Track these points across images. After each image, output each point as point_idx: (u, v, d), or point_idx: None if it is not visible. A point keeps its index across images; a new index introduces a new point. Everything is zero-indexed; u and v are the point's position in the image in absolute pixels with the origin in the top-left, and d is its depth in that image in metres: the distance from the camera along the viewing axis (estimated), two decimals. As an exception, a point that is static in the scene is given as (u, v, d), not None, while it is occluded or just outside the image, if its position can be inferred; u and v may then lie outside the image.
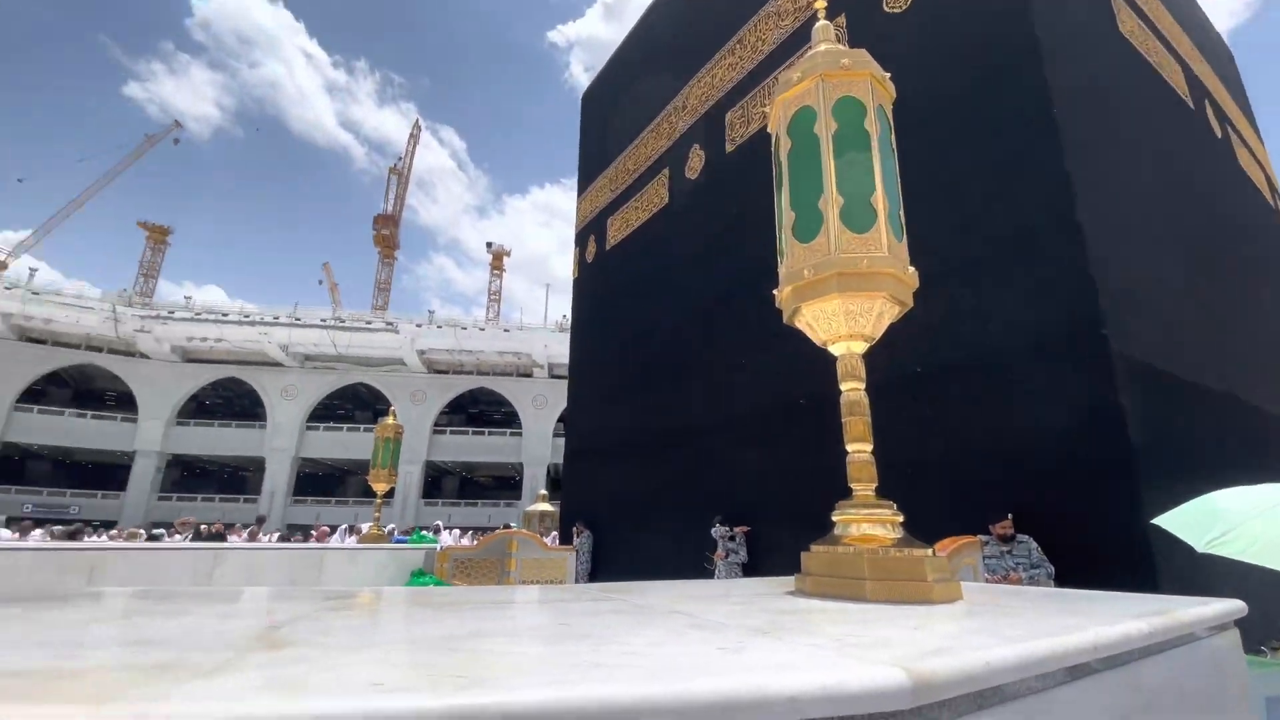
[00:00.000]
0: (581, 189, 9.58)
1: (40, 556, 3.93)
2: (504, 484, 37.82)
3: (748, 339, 5.26)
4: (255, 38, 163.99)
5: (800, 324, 1.66)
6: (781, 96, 1.75)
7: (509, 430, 34.75)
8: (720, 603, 1.25)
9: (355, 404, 36.41)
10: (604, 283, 8.45)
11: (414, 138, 54.05)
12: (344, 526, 12.89)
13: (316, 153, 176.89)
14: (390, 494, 6.40)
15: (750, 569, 4.76)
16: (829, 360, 1.69)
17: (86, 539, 9.93)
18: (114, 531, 13.86)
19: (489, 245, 50.08)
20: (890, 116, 1.73)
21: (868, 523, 1.48)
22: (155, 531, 12.13)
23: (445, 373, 35.24)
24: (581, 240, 9.25)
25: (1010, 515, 3.98)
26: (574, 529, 7.61)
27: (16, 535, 8.41)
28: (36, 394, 30.95)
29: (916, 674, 0.64)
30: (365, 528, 6.88)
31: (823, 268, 1.55)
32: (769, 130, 1.88)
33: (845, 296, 1.53)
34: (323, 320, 33.68)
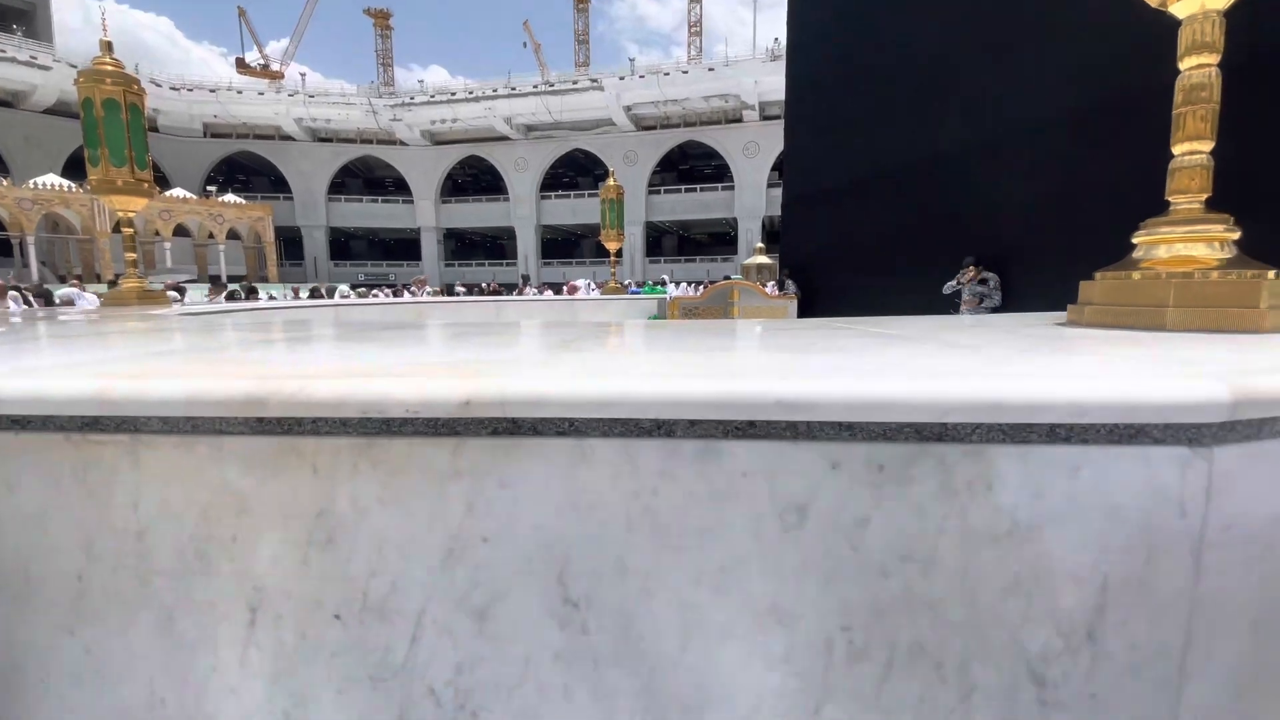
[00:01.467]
0: None
1: (386, 309, 5.27)
2: (719, 239, 38.82)
3: (1022, 32, 4.05)
4: None
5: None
6: None
7: (720, 185, 34.50)
8: (975, 331, 1.19)
9: (577, 171, 38.56)
10: (826, -13, 6.94)
11: None
12: (588, 280, 14.68)
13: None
14: (619, 253, 6.95)
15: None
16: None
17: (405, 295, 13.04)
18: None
19: (684, -34, 43.74)
20: None
21: (1186, 242, 1.21)
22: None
23: (653, 128, 34.87)
24: (796, -66, 7.48)
25: None
26: (781, 275, 7.61)
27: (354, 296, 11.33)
28: (338, 186, 38.30)
29: (1236, 387, 0.55)
30: (605, 282, 7.75)
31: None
32: None
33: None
34: (534, 86, 34.91)
